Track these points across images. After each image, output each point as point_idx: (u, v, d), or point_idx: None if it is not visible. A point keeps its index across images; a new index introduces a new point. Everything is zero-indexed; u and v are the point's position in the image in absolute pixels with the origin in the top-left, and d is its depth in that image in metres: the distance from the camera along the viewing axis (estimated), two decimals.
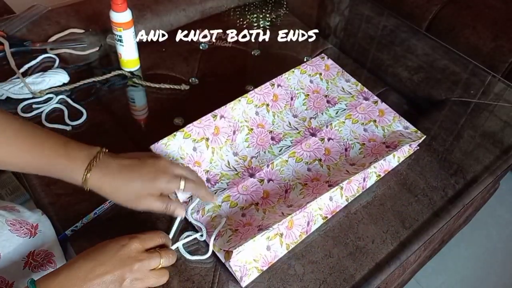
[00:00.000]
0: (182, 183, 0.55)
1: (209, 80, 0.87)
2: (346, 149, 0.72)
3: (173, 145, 0.65)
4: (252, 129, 0.72)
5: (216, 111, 0.70)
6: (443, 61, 0.95)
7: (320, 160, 0.70)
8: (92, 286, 0.45)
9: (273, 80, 0.77)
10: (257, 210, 0.63)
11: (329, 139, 0.73)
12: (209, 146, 0.68)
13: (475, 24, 1.35)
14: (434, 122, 0.81)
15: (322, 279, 0.58)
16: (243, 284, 0.56)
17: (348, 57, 0.98)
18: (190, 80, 0.86)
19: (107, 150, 0.54)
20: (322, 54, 0.84)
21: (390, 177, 0.71)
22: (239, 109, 0.72)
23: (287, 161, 0.69)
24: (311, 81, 0.80)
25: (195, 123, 0.68)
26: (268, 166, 0.68)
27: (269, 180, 0.67)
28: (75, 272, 0.45)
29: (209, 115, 0.69)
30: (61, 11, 0.93)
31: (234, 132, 0.70)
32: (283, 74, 0.78)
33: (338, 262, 0.60)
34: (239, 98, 0.73)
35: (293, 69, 0.79)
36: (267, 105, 0.75)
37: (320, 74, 0.81)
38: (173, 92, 0.83)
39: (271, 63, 0.94)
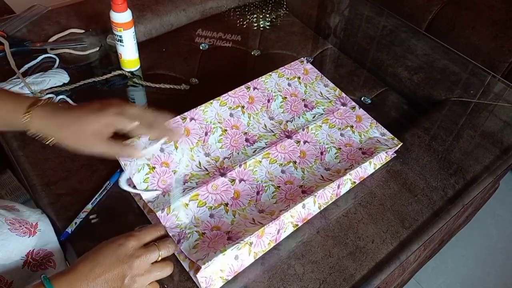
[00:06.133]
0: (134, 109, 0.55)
1: (209, 80, 0.87)
2: (321, 153, 0.70)
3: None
4: (226, 130, 0.70)
5: (185, 113, 0.68)
6: (443, 61, 0.95)
7: (295, 162, 0.68)
8: (96, 286, 0.47)
9: (249, 83, 0.75)
10: (226, 211, 0.60)
11: (305, 142, 0.71)
12: (179, 147, 0.65)
13: (475, 24, 1.35)
14: (434, 122, 0.81)
15: (322, 279, 0.58)
16: None
17: (348, 57, 0.98)
18: (190, 80, 0.86)
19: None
20: (301, 58, 0.82)
21: (390, 177, 0.71)
22: (211, 112, 0.70)
23: (260, 161, 0.67)
24: (289, 84, 0.78)
25: None
26: (240, 166, 0.65)
27: (240, 180, 0.64)
28: (79, 272, 0.47)
29: (178, 117, 0.67)
30: (61, 11, 0.93)
31: (206, 134, 0.68)
32: (260, 78, 0.76)
33: (338, 262, 0.60)
34: (211, 101, 0.71)
35: (270, 73, 0.77)
36: (242, 107, 0.73)
37: (299, 78, 0.79)
38: (173, 92, 0.83)
39: (271, 63, 0.93)
